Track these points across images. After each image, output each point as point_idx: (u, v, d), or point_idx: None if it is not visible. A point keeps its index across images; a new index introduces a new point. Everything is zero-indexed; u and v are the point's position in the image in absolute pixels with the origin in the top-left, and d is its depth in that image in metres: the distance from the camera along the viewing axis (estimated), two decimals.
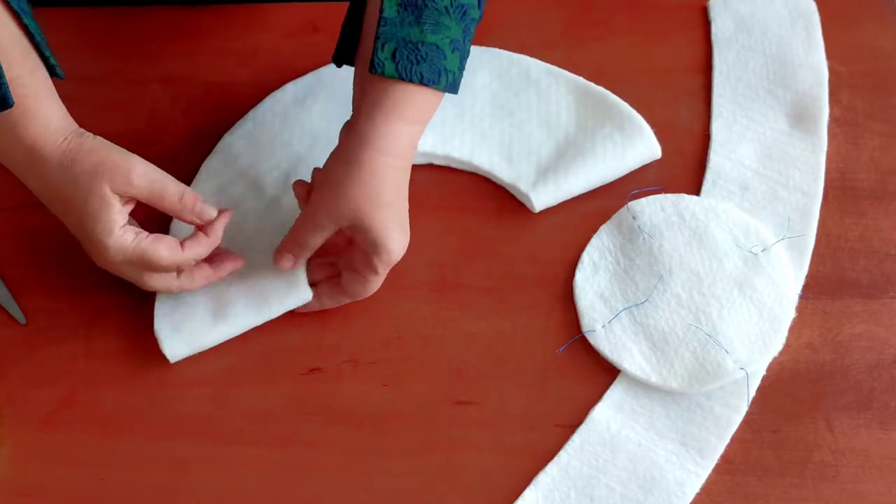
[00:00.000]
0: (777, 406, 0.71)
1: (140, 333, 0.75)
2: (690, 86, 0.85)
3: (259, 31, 0.90)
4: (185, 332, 0.74)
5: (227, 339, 0.75)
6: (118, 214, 0.69)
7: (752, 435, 0.70)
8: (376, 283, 0.74)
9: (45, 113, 0.69)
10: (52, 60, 0.70)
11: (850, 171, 0.80)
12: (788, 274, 0.75)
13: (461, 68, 0.72)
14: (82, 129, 0.70)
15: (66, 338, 0.76)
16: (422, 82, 0.69)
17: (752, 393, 0.71)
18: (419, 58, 0.69)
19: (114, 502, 0.70)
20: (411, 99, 0.70)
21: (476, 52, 0.84)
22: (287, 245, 0.74)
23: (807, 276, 0.76)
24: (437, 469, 0.70)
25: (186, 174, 0.82)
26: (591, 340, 0.74)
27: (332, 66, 0.80)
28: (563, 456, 0.70)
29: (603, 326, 0.74)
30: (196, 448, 0.72)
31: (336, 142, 0.72)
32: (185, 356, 0.74)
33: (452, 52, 0.70)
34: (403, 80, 0.69)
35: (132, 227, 0.71)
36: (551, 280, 0.77)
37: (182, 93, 0.87)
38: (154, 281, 0.72)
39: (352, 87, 0.74)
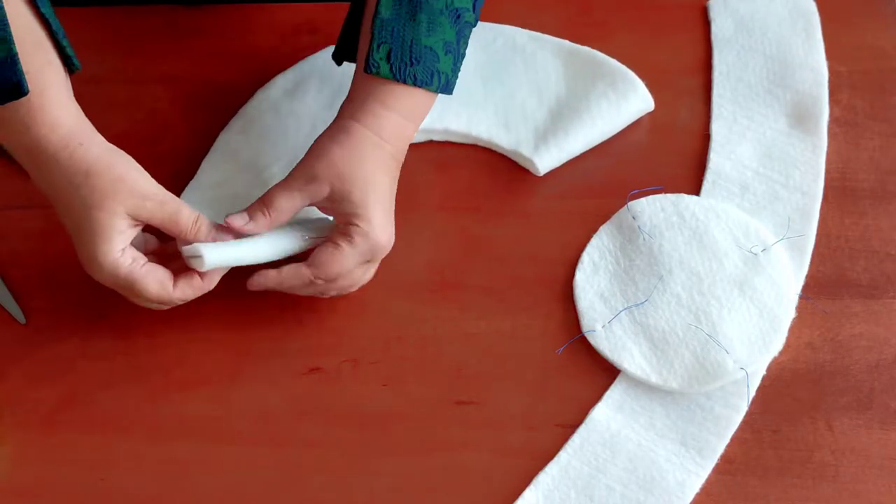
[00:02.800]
0: (777, 406, 0.71)
1: (140, 334, 0.75)
2: (690, 86, 0.85)
3: (259, 31, 0.90)
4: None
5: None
6: (122, 236, 0.67)
7: (752, 435, 0.70)
8: (348, 257, 0.70)
9: (52, 114, 0.66)
10: (70, 51, 0.68)
11: (850, 171, 0.80)
12: (788, 274, 0.75)
13: (455, 71, 0.73)
14: (97, 136, 0.68)
15: (66, 338, 0.76)
16: (415, 83, 0.70)
17: (752, 393, 0.71)
18: (413, 59, 0.70)
19: (114, 502, 0.70)
20: (403, 97, 0.71)
21: None
22: (254, 204, 0.71)
23: (807, 276, 0.76)
24: (437, 469, 0.70)
25: (186, 174, 0.82)
26: (591, 340, 0.74)
27: (317, 55, 0.81)
28: (563, 456, 0.70)
29: (603, 326, 0.74)
30: (196, 448, 0.72)
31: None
32: (217, 264, 0.70)
33: (446, 54, 0.71)
34: (397, 80, 0.70)
35: (131, 250, 0.68)
36: (551, 280, 0.77)
37: (182, 93, 0.87)
38: (139, 302, 0.70)
39: (343, 72, 0.76)
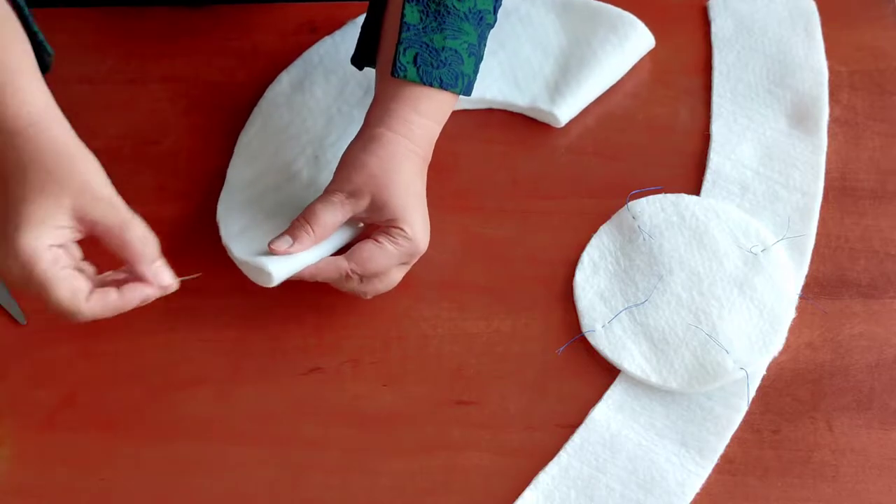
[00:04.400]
0: (777, 406, 0.71)
1: (140, 333, 0.75)
2: (690, 86, 0.85)
3: (259, 31, 0.90)
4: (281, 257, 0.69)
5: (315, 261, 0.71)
6: (57, 231, 0.61)
7: (752, 435, 0.70)
8: (389, 257, 0.70)
9: (23, 90, 0.62)
10: (41, 36, 0.67)
11: (850, 171, 0.80)
12: (788, 274, 0.75)
13: (475, 72, 0.74)
14: (66, 124, 0.64)
15: (66, 338, 0.76)
16: (441, 86, 0.72)
17: (752, 393, 0.71)
18: (439, 63, 0.72)
19: (114, 502, 0.70)
20: (429, 100, 0.72)
21: None
22: (295, 222, 0.70)
23: (807, 276, 0.76)
24: (437, 469, 0.70)
25: (187, 174, 0.82)
26: (591, 340, 0.74)
27: (316, 47, 0.82)
28: (563, 456, 0.70)
29: (603, 326, 0.74)
30: (196, 448, 0.72)
31: (350, 112, 0.79)
32: (286, 276, 0.69)
33: (469, 56, 0.73)
34: (424, 84, 0.71)
35: (57, 251, 0.61)
36: (551, 280, 0.77)
37: (182, 93, 0.87)
38: (47, 307, 0.62)
39: (347, 60, 0.77)
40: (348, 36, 0.87)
